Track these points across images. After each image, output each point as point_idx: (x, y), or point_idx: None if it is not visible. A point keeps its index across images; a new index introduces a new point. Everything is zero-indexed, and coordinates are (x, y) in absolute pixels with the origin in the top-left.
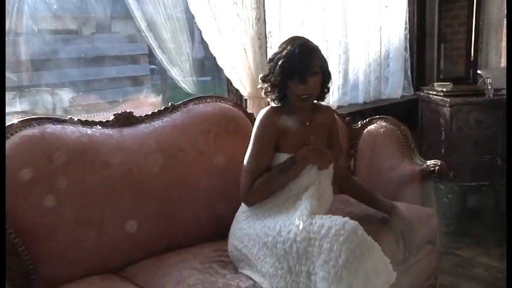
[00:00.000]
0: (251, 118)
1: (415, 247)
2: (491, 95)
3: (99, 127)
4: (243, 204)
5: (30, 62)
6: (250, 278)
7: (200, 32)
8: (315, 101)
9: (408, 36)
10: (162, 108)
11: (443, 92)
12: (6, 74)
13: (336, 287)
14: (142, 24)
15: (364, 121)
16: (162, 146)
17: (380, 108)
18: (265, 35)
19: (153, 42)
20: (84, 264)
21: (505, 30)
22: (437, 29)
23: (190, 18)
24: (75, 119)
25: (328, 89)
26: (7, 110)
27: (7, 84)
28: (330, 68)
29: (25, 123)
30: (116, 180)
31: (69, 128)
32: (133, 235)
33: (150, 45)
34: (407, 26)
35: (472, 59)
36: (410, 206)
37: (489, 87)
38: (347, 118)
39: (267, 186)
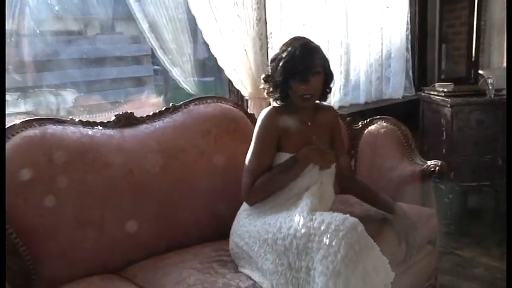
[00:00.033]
0: (252, 118)
1: (417, 248)
2: (493, 95)
3: (100, 128)
4: (244, 203)
5: (34, 63)
6: (250, 278)
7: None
8: (317, 101)
9: (410, 37)
10: (163, 109)
11: (445, 92)
12: (12, 75)
13: (334, 281)
14: (144, 25)
15: (365, 121)
16: (163, 147)
17: (381, 108)
18: (266, 36)
19: (155, 43)
20: (84, 264)
21: None
22: (439, 30)
23: (192, 19)
24: (76, 120)
25: (330, 89)
26: (11, 110)
27: (13, 85)
28: (332, 68)
29: (26, 124)
30: (116, 181)
31: (70, 129)
32: (134, 235)
33: (152, 46)
34: (409, 26)
35: (473, 59)
36: (410, 206)
37: (490, 87)
38: (348, 118)
39: (268, 185)
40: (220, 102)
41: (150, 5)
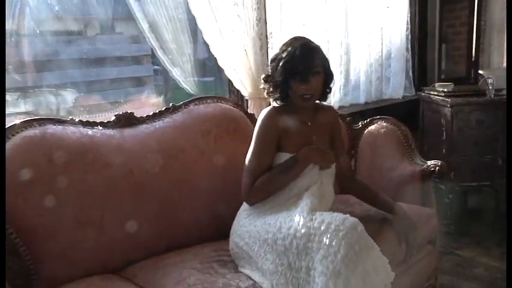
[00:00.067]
0: (252, 118)
1: (417, 248)
2: (493, 95)
3: (100, 128)
4: (244, 203)
5: (34, 63)
6: (250, 278)
7: None
8: (317, 101)
9: (410, 37)
10: (163, 109)
11: (444, 92)
12: (12, 75)
13: (334, 281)
14: (144, 25)
15: (365, 121)
16: (163, 147)
17: (381, 108)
18: (266, 36)
19: (155, 43)
20: (84, 264)
21: None
22: (439, 30)
23: (192, 19)
24: (76, 120)
25: (330, 89)
26: (11, 110)
27: (13, 85)
28: (332, 68)
29: (26, 124)
30: (116, 181)
31: (70, 129)
32: (134, 235)
33: (152, 46)
34: (409, 26)
35: (473, 59)
36: (410, 206)
37: (490, 87)
38: (348, 118)
39: (268, 185)
40: (220, 102)
41: (150, 5)
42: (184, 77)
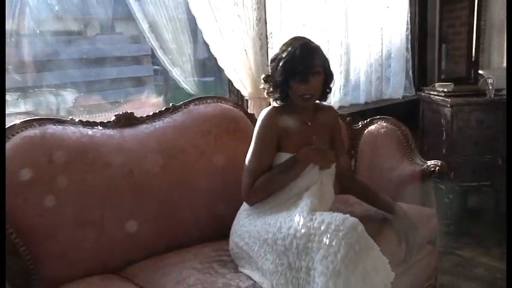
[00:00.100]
0: (252, 118)
1: (417, 248)
2: (493, 95)
3: (100, 128)
4: (244, 203)
5: (35, 63)
6: (250, 278)
7: None
8: (317, 101)
9: (410, 37)
10: (163, 109)
11: (444, 92)
12: (12, 75)
13: (333, 281)
14: (144, 25)
15: (365, 121)
16: (163, 147)
17: (381, 108)
18: (266, 36)
19: (155, 43)
20: (84, 264)
21: None
22: (439, 30)
23: (192, 19)
24: (76, 120)
25: (330, 89)
26: (11, 110)
27: (13, 85)
28: (332, 68)
29: (26, 124)
30: (116, 181)
31: (70, 129)
32: (134, 235)
33: (152, 46)
34: (409, 26)
35: (473, 59)
36: (410, 206)
37: (490, 87)
38: (348, 118)
39: (268, 185)
40: (220, 102)
41: (150, 5)
42: (184, 77)
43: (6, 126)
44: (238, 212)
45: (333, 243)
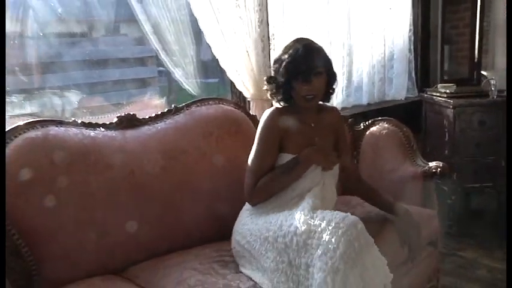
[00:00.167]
0: (254, 120)
1: (419, 252)
2: (495, 96)
3: (102, 129)
4: (247, 203)
5: (41, 65)
6: (251, 279)
7: None
8: (321, 102)
9: (412, 38)
10: (165, 111)
11: (447, 93)
12: (18, 76)
13: (332, 277)
14: (147, 27)
15: (367, 123)
16: (165, 148)
17: (384, 109)
18: (268, 37)
19: (158, 45)
20: (86, 265)
21: None
22: (441, 31)
23: (195, 21)
24: (79, 121)
25: (334, 89)
26: (15, 112)
27: (20, 86)
28: (335, 69)
29: (29, 126)
30: (118, 182)
31: (72, 130)
32: (135, 236)
33: (155, 47)
34: (412, 27)
35: (475, 60)
36: (411, 208)
37: (493, 88)
38: (350, 119)
39: (270, 186)
40: (222, 104)
41: (152, 7)
42: (187, 78)
43: (9, 128)
44: (240, 211)
45: (333, 240)
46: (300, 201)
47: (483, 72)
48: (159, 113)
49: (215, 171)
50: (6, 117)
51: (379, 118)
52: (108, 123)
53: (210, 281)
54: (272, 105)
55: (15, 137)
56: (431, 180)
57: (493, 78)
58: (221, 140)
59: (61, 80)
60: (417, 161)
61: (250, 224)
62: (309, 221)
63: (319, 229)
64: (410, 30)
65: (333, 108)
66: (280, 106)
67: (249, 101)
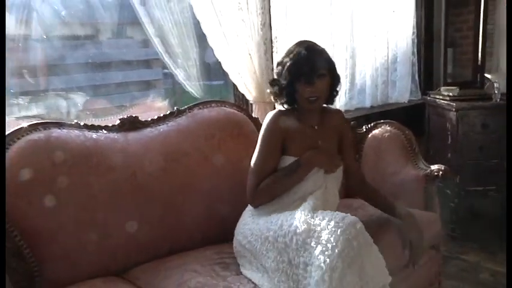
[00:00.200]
0: (256, 122)
1: (421, 255)
2: (498, 99)
3: (105, 131)
4: (249, 205)
5: (46, 67)
6: (251, 281)
7: None
8: (325, 105)
9: (416, 41)
10: (167, 113)
11: (450, 96)
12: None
13: (329, 275)
14: (150, 30)
15: (369, 125)
16: (167, 150)
17: (387, 112)
18: (271, 40)
19: (161, 47)
20: (87, 267)
21: None
22: (444, 34)
23: (199, 24)
24: (81, 124)
25: (337, 92)
26: (22, 114)
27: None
28: (338, 71)
29: (32, 128)
30: (120, 184)
31: (75, 132)
32: (137, 238)
33: (158, 50)
34: (415, 30)
35: (479, 63)
36: (413, 211)
37: (496, 91)
38: (352, 122)
39: (272, 188)
40: (225, 106)
41: (155, 10)
42: (190, 80)
43: (12, 130)
44: (243, 212)
45: (332, 238)
46: (301, 204)
47: (487, 75)
48: (162, 115)
49: (217, 174)
50: (12, 118)
51: (382, 121)
52: (110, 125)
53: (210, 283)
54: (274, 108)
55: (18, 139)
56: (434, 183)
57: (496, 81)
58: (223, 143)
59: (66, 82)
60: (419, 164)
61: (251, 224)
62: (309, 221)
63: (319, 228)
64: (413, 33)
65: (337, 111)
66: (284, 109)
67: (251, 104)
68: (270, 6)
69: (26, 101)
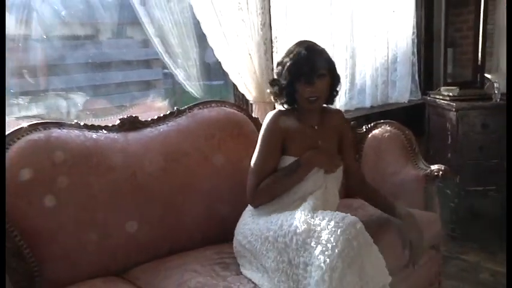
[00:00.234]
0: (256, 122)
1: (421, 255)
2: (498, 99)
3: (105, 131)
4: (249, 205)
5: (46, 67)
6: (251, 281)
7: None
8: (325, 105)
9: (416, 41)
10: (167, 113)
11: (450, 96)
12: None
13: (329, 274)
14: (150, 30)
15: (369, 125)
16: (167, 150)
17: (387, 112)
18: (271, 40)
19: (161, 47)
20: (87, 267)
21: None
22: (444, 33)
23: (198, 24)
24: (81, 124)
25: (337, 92)
26: (22, 113)
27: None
28: (338, 71)
29: (31, 128)
30: (120, 184)
31: (75, 132)
32: (137, 238)
33: (158, 50)
34: (415, 30)
35: (479, 63)
36: (413, 211)
37: (496, 91)
38: (352, 122)
39: (272, 188)
40: (225, 106)
41: (155, 10)
42: (190, 80)
43: (12, 130)
44: (243, 212)
45: (332, 238)
46: (301, 204)
47: (487, 75)
48: (162, 115)
49: (217, 174)
50: (12, 118)
51: (381, 121)
52: (110, 125)
53: (210, 283)
54: (274, 108)
55: (18, 139)
56: (434, 183)
57: (496, 81)
58: (223, 143)
59: (66, 82)
60: (419, 164)
61: (251, 224)
62: (309, 221)
63: (319, 228)
64: (413, 33)
65: (338, 111)
66: (284, 109)
67: (251, 104)
68: (270, 6)
69: (26, 101)
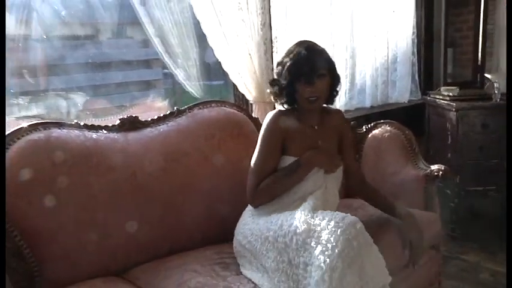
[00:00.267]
0: (256, 122)
1: (421, 255)
2: (498, 99)
3: (105, 131)
4: (249, 205)
5: (46, 67)
6: (251, 281)
7: None
8: (325, 105)
9: (416, 41)
10: (167, 113)
11: (450, 96)
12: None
13: (329, 274)
14: (150, 30)
15: (369, 125)
16: (167, 150)
17: (387, 112)
18: (271, 40)
19: (161, 47)
20: (87, 267)
21: None
22: (444, 34)
23: (198, 24)
24: (81, 124)
25: (337, 92)
26: (22, 114)
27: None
28: (338, 71)
29: (32, 128)
30: (120, 184)
31: (75, 133)
32: (137, 238)
33: (158, 50)
34: (415, 30)
35: (479, 63)
36: (413, 211)
37: (496, 91)
38: (352, 122)
39: (272, 188)
40: (225, 106)
41: (155, 10)
42: (190, 80)
43: (12, 130)
44: (243, 212)
45: (332, 238)
46: (301, 204)
47: (487, 75)
48: (162, 115)
49: (217, 174)
50: (12, 118)
51: (381, 121)
52: (110, 125)
53: (210, 283)
54: (274, 108)
55: (18, 139)
56: (434, 183)
57: (496, 81)
58: (223, 143)
59: (66, 82)
60: (419, 164)
61: (251, 224)
62: (309, 221)
63: (319, 228)
64: (413, 33)
65: (338, 111)
66: (284, 109)
67: (251, 104)
68: (270, 6)
69: (26, 101)
